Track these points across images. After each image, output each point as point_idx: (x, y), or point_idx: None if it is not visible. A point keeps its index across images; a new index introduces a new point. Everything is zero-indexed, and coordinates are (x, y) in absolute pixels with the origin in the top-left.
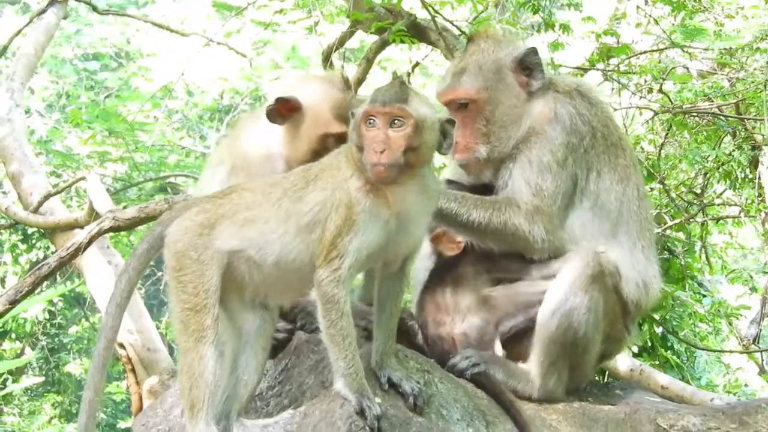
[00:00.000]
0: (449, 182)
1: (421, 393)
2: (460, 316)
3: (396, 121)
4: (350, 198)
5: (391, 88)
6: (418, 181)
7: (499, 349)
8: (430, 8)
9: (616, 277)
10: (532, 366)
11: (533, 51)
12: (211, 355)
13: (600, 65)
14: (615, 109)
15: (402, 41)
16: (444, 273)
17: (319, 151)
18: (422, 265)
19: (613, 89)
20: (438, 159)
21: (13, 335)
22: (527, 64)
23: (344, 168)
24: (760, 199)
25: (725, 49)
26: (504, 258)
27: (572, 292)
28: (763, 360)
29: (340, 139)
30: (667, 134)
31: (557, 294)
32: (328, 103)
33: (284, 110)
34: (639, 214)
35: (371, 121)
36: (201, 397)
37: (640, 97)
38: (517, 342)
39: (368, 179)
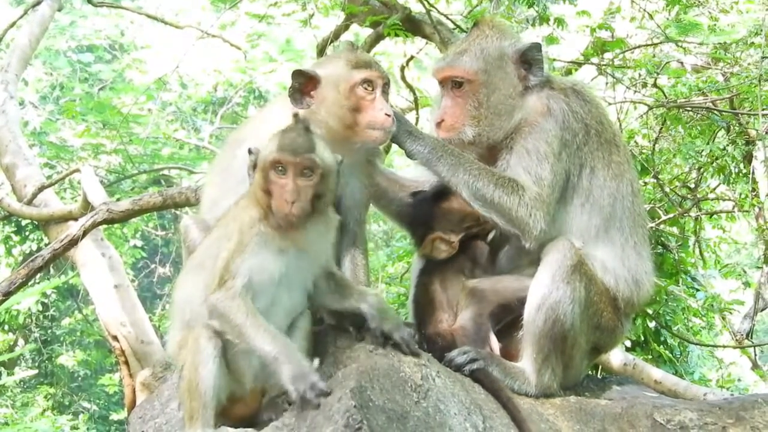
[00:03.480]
0: (413, 194)
1: (413, 338)
2: (454, 311)
3: (305, 171)
4: (243, 225)
5: (298, 136)
6: (320, 216)
7: (495, 344)
8: (424, 2)
9: (595, 266)
10: (526, 364)
11: (537, 46)
12: (206, 368)
13: (594, 59)
14: (609, 104)
15: (397, 35)
16: (431, 272)
17: (357, 108)
18: (415, 266)
19: (607, 83)
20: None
21: (6, 327)
22: (529, 59)
23: (249, 206)
24: (753, 193)
25: (720, 43)
26: (486, 259)
27: (554, 285)
28: (756, 355)
29: (370, 84)
30: (661, 129)
31: (540, 289)
32: (342, 61)
33: (306, 89)
34: (632, 210)
35: (280, 168)
36: (197, 408)
37: (635, 92)
38: (510, 338)
39: (276, 224)
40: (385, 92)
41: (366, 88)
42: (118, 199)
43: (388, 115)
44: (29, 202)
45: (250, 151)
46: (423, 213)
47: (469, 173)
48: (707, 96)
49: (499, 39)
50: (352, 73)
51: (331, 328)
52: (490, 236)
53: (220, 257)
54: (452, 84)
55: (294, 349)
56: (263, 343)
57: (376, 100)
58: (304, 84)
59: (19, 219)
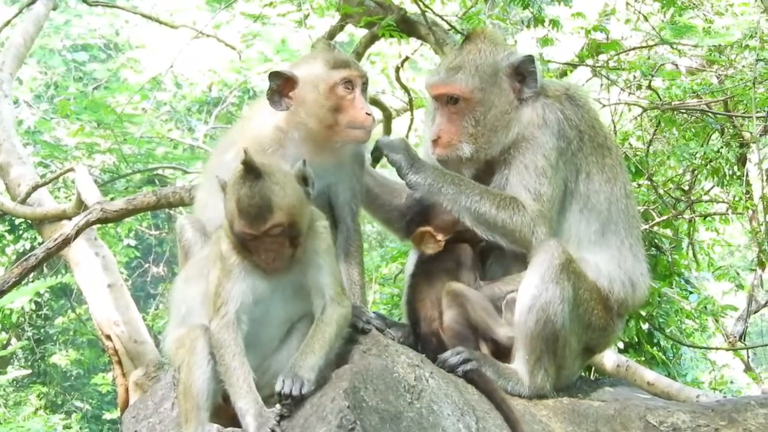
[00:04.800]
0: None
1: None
2: (440, 311)
3: (272, 231)
4: (222, 253)
5: (252, 199)
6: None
7: (483, 346)
8: (420, 3)
9: (589, 269)
10: (518, 365)
11: (530, 59)
12: (200, 369)
13: (589, 61)
14: (603, 105)
15: (391, 35)
16: (421, 272)
17: (337, 108)
18: (407, 268)
19: (602, 85)
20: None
21: None
22: (522, 71)
23: (224, 236)
24: (747, 196)
25: (714, 46)
26: (474, 261)
27: (544, 286)
28: (748, 357)
29: (350, 83)
30: (655, 131)
31: (530, 290)
32: (321, 61)
33: (284, 91)
34: (627, 212)
35: (248, 236)
36: (191, 409)
37: (629, 94)
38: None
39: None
40: (364, 91)
41: (346, 88)
42: (112, 199)
43: (369, 114)
44: (23, 201)
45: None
46: (421, 206)
47: (470, 200)
48: (701, 98)
49: (493, 53)
50: (331, 73)
51: None
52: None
53: (211, 281)
54: (447, 100)
55: (260, 405)
56: (236, 394)
57: (356, 99)
58: (281, 85)
59: (13, 218)
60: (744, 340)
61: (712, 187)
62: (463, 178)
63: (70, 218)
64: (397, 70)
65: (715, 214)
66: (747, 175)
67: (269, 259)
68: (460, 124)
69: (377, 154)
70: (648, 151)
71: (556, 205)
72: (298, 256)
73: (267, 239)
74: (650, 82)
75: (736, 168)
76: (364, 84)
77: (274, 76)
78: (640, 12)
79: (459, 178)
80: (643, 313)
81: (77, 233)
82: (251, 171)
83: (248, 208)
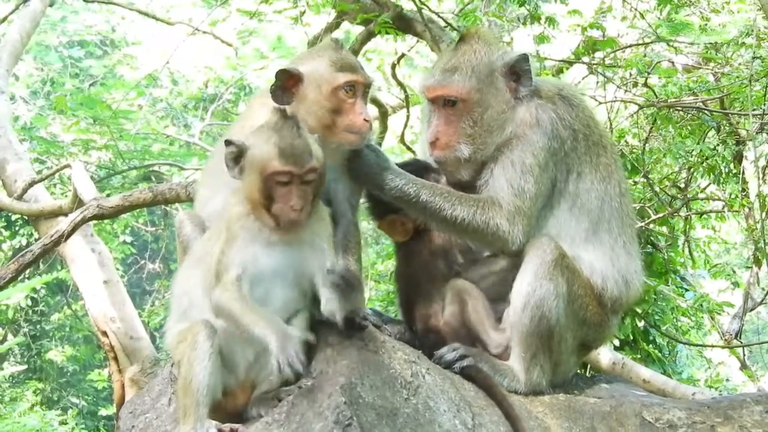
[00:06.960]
0: (431, 170)
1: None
2: (440, 306)
3: (308, 176)
4: (230, 220)
5: (295, 140)
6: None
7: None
8: (416, 0)
9: (583, 267)
10: (514, 362)
11: (524, 58)
12: (201, 364)
13: (585, 58)
14: (600, 103)
15: (387, 32)
16: (404, 269)
17: (337, 110)
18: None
19: (598, 83)
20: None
21: None
22: (517, 70)
23: (237, 203)
24: (743, 194)
25: (711, 43)
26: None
27: (537, 283)
28: (744, 355)
29: (352, 87)
30: (651, 128)
31: (524, 288)
32: (326, 61)
33: (288, 85)
34: (620, 210)
35: (284, 179)
36: (190, 404)
37: (625, 91)
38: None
39: (272, 224)
40: (365, 96)
41: (348, 92)
42: (108, 195)
43: (367, 120)
44: (19, 197)
45: (228, 142)
46: None
47: (443, 206)
48: (698, 96)
49: (488, 53)
50: (335, 75)
51: (322, 324)
52: None
53: (213, 253)
54: (444, 102)
55: (283, 327)
56: (256, 326)
57: (356, 104)
58: (286, 80)
59: (9, 214)
60: (740, 338)
61: (708, 185)
62: (434, 185)
63: (66, 214)
64: (393, 67)
65: (711, 211)
66: (743, 172)
67: (298, 205)
68: (457, 125)
69: (356, 161)
70: (644, 148)
71: (539, 203)
72: (304, 236)
73: (300, 185)
74: (646, 79)
75: (732, 166)
76: (366, 89)
77: (282, 74)
78: (636, 9)
79: (430, 185)
80: (639, 311)
81: (73, 229)
82: (292, 121)
83: (292, 147)
